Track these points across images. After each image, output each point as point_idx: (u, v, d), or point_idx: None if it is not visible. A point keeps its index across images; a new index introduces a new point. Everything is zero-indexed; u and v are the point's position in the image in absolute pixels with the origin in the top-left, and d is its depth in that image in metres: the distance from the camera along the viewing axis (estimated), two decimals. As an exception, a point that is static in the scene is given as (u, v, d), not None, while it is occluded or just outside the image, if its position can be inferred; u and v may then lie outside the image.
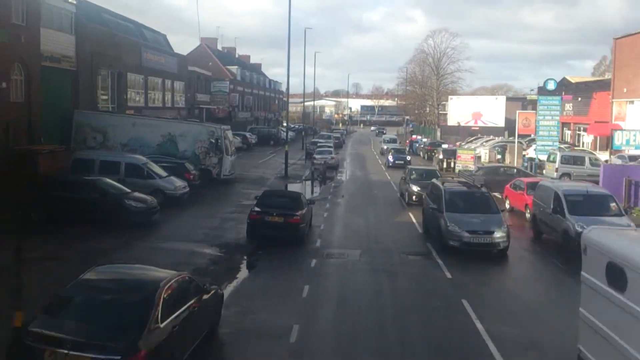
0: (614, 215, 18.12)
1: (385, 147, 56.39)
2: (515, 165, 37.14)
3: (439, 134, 73.42)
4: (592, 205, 18.49)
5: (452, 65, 79.59)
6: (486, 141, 54.10)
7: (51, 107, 28.66)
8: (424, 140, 63.64)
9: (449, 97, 75.69)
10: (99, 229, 18.17)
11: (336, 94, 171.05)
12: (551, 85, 38.03)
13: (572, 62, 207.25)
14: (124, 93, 38.39)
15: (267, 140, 63.67)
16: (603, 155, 38.57)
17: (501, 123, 68.71)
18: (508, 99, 77.69)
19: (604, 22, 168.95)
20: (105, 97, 36.03)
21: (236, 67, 77.62)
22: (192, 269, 14.90)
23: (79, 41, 31.73)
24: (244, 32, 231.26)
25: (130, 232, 18.31)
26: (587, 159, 34.58)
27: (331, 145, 51.26)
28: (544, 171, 35.31)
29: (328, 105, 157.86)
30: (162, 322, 8.25)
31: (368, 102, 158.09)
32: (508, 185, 26.46)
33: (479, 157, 42.93)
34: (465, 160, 39.42)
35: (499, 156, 44.37)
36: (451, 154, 42.63)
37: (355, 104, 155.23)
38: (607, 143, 45.90)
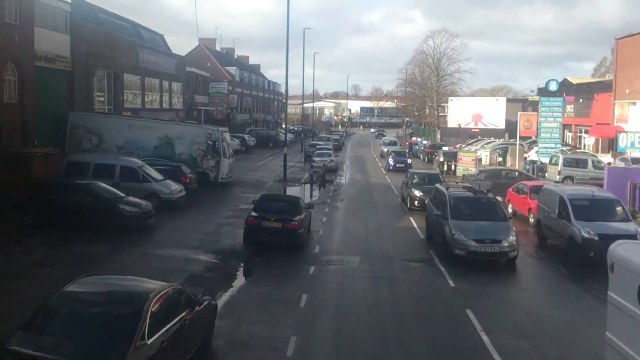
0: (621, 221, 17.62)
1: (385, 149, 55.42)
2: (517, 168, 36.65)
3: (438, 135, 72.97)
4: (598, 210, 17.98)
5: (452, 66, 79.18)
6: (487, 143, 53.65)
7: (45, 108, 28.14)
8: (424, 142, 63.09)
9: (449, 98, 75.16)
10: (92, 234, 17.69)
11: (335, 95, 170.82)
12: (553, 86, 37.66)
13: (571, 63, 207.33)
14: (121, 94, 37.89)
15: (266, 142, 63.19)
16: (605, 158, 38.13)
17: (501, 125, 68.24)
18: (508, 100, 77.15)
19: (602, 24, 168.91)
20: (101, 99, 35.54)
21: (235, 68, 77.12)
22: (186, 276, 14.50)
23: (74, 41, 31.22)
24: (242, 33, 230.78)
25: (123, 238, 17.84)
26: (589, 162, 34.10)
27: (330, 147, 50.70)
28: (546, 174, 34.86)
29: (327, 107, 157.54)
30: (150, 338, 7.76)
31: (367, 104, 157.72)
32: (511, 189, 25.98)
33: (480, 160, 42.45)
34: (466, 162, 38.98)
35: (500, 159, 43.90)
36: (452, 157, 42.15)
37: (354, 106, 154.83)
38: (608, 145, 45.52)
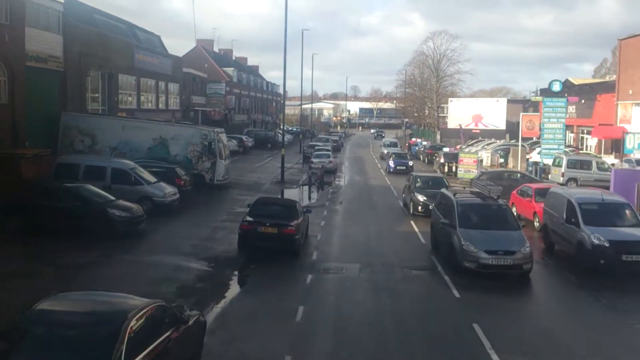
0: (632, 226, 16.82)
1: (385, 151, 54.07)
2: (519, 169, 35.88)
3: (438, 136, 72.28)
4: (608, 215, 17.19)
5: (452, 67, 78.59)
6: (487, 144, 52.92)
7: (37, 108, 27.43)
8: (424, 143, 62.27)
9: (449, 99, 74.53)
10: (80, 240, 16.94)
11: (334, 96, 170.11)
12: (556, 87, 36.99)
13: (570, 65, 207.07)
14: (115, 95, 37.13)
15: (264, 143, 62.38)
16: (608, 159, 37.44)
17: (502, 126, 67.64)
18: (509, 101, 76.57)
19: (601, 25, 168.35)
20: (96, 99, 34.81)
21: (233, 69, 76.38)
22: (176, 287, 13.76)
23: (67, 41, 30.51)
24: (241, 34, 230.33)
25: (112, 244, 17.09)
26: (594, 163, 33.38)
27: (329, 148, 49.85)
28: (550, 176, 34.14)
29: (326, 108, 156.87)
30: (127, 363, 6.98)
31: (366, 105, 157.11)
32: (514, 192, 25.17)
33: (481, 161, 41.73)
34: (467, 164, 38.24)
35: (501, 160, 43.15)
36: (453, 158, 41.38)
37: (353, 107, 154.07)
38: (611, 146, 44.85)
